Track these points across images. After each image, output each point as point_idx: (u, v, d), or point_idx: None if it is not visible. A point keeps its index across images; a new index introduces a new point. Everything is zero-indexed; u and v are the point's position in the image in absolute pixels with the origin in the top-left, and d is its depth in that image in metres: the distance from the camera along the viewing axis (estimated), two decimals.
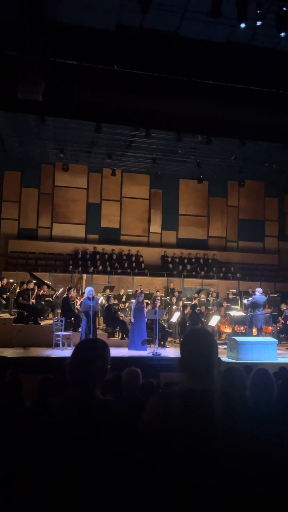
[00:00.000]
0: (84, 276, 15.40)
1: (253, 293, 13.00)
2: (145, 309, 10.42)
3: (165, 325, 12.28)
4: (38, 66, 7.00)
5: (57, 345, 10.10)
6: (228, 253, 20.29)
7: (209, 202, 20.64)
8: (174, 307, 13.46)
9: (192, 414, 1.59)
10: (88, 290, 10.23)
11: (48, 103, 8.27)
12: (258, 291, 11.64)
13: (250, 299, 12.29)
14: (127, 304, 13.69)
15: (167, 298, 15.35)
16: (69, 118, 11.24)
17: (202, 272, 18.68)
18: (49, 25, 7.64)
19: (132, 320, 10.37)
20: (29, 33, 6.82)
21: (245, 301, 12.81)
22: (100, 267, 17.63)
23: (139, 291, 15.08)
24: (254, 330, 11.74)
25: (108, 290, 14.44)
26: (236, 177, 18.20)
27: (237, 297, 15.18)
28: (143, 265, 18.54)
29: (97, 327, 11.74)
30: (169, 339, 11.87)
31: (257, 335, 11.35)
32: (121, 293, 14.89)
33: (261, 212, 20.72)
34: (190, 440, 1.56)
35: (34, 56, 6.90)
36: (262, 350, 9.18)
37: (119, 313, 12.09)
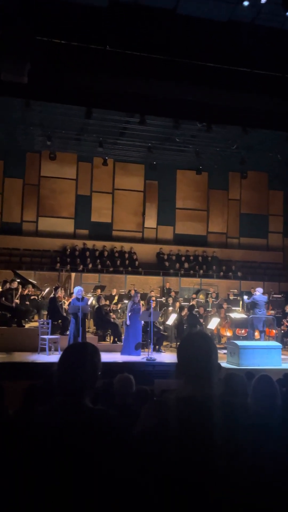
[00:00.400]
0: (73, 274, 15.37)
1: (254, 293, 13.05)
2: (142, 311, 10.44)
3: (161, 328, 12.31)
4: (23, 45, 6.95)
5: (43, 350, 10.08)
6: (229, 250, 20.35)
7: (208, 194, 20.67)
8: (171, 308, 13.48)
9: (190, 423, 1.60)
10: (77, 290, 10.21)
11: (34, 86, 8.22)
12: (258, 290, 11.71)
13: (250, 297, 12.35)
14: (119, 306, 13.68)
15: (163, 299, 15.37)
16: (56, 102, 11.18)
17: (201, 271, 18.73)
18: (35, 0, 7.58)
19: (128, 322, 10.38)
20: (12, 9, 6.77)
21: (245, 297, 12.88)
22: (90, 265, 17.60)
23: (133, 291, 15.10)
24: (257, 334, 11.80)
25: (99, 290, 14.43)
26: (238, 168, 18.23)
27: (238, 298, 15.23)
28: (137, 263, 18.54)
29: (86, 330, 11.75)
30: (164, 343, 11.90)
31: (260, 339, 11.40)
32: (113, 293, 14.88)
33: (265, 206, 20.80)
34: (188, 451, 1.57)
35: (18, 34, 6.85)
36: (265, 355, 9.22)
37: (111, 315, 12.08)
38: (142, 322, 10.43)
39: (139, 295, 10.87)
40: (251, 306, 11.74)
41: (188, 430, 1.59)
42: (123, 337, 10.89)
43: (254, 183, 20.47)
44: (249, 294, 15.88)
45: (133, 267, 18.21)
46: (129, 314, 10.41)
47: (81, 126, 15.03)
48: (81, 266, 17.34)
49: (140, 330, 10.35)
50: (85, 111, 12.32)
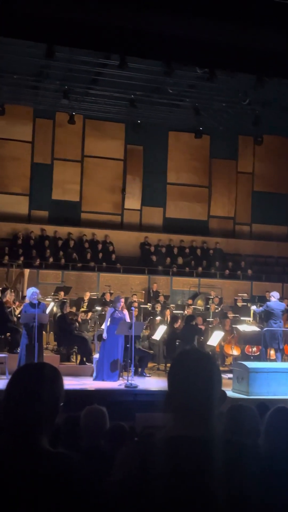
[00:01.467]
0: (27, 271, 15.28)
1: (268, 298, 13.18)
2: (127, 319, 10.44)
3: (145, 344, 12.32)
4: None
5: None
6: (237, 240, 20.50)
7: (211, 166, 20.73)
8: (158, 318, 13.53)
9: (183, 472, 1.61)
10: (31, 293, 10.15)
11: None
12: (274, 296, 11.82)
13: (262, 305, 12.45)
14: (89, 314, 13.68)
15: (148, 306, 15.40)
16: (8, 36, 11.02)
17: (200, 268, 18.84)
18: None
19: (105, 336, 10.39)
20: None
21: (254, 307, 13.00)
22: (51, 259, 17.54)
23: (108, 294, 15.11)
24: (272, 352, 11.92)
25: (62, 293, 14.40)
26: (251, 130, 18.31)
27: (249, 305, 15.36)
28: (113, 256, 18.55)
29: (44, 346, 11.69)
30: (150, 364, 11.94)
31: (276, 359, 11.53)
32: (82, 297, 14.84)
33: (285, 182, 20.99)
34: (179, 507, 1.58)
35: None
36: (283, 381, 9.32)
37: (78, 326, 12.07)
38: (122, 336, 10.43)
39: (122, 300, 10.84)
40: (265, 317, 11.84)
41: (180, 481, 1.60)
42: (94, 357, 10.87)
43: (272, 151, 20.61)
44: (262, 299, 16.04)
45: (109, 262, 18.20)
46: (108, 325, 10.40)
47: (39, 69, 14.88)
48: (38, 260, 17.26)
49: (122, 347, 10.36)
50: (46, 49, 12.19)
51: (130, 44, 10.13)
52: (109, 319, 10.44)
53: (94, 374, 10.38)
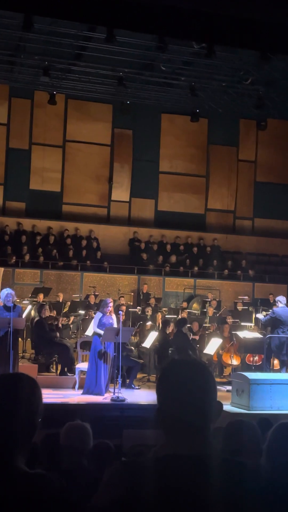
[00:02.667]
0: (0, 270, 15.21)
1: (274, 303, 13.22)
2: (115, 325, 10.43)
3: (134, 353, 12.33)
4: None
5: None
6: (238, 237, 20.55)
7: (209, 153, 20.76)
8: (149, 323, 13.55)
9: (175, 495, 1.61)
10: (5, 294, 10.12)
11: None
12: (281, 301, 11.84)
13: (268, 312, 12.47)
14: (72, 319, 13.66)
15: (138, 309, 15.41)
16: None
17: (196, 268, 18.87)
18: None
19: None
20: None
21: (260, 316, 13.03)
22: (28, 256, 17.50)
23: (93, 296, 15.10)
24: (276, 362, 11.97)
25: (41, 295, 14.37)
26: (253, 113, 18.36)
27: (251, 309, 15.42)
28: (99, 253, 18.54)
29: (20, 355, 11.64)
30: (139, 375, 11.95)
31: (280, 370, 11.58)
32: (62, 300, 14.81)
33: None
34: None
35: None
36: None
37: (58, 332, 12.07)
38: (112, 344, 10.40)
39: (111, 303, 10.82)
40: (272, 325, 11.84)
41: (172, 506, 1.61)
42: (77, 366, 10.87)
43: (276, 137, 20.68)
44: (265, 303, 16.09)
45: (94, 261, 18.19)
46: (96, 332, 10.39)
47: (16, 42, 14.83)
48: (14, 257, 17.22)
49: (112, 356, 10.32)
50: (23, 20, 12.15)
51: (119, 15, 10.12)
52: (97, 325, 10.40)
53: (86, 387, 10.32)
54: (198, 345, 12.70)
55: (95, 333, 10.49)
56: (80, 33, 13.84)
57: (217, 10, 9.76)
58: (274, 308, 11.99)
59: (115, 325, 10.38)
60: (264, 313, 13.34)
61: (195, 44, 13.36)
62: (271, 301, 15.81)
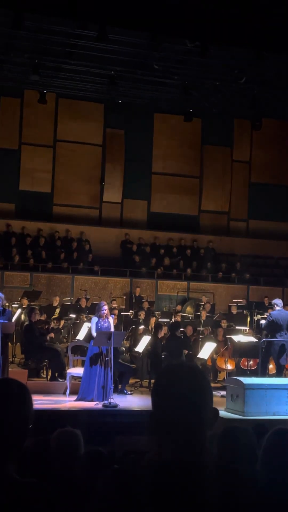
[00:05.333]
0: None
1: (270, 306, 13.21)
2: (112, 328, 10.38)
3: (126, 358, 12.31)
4: None
5: None
6: (232, 239, 20.57)
7: (202, 153, 20.79)
8: (142, 327, 13.54)
9: (170, 503, 1.61)
10: None
11: None
12: (277, 304, 11.80)
13: (266, 317, 12.45)
14: (62, 323, 13.63)
15: (130, 313, 15.40)
16: None
17: (189, 270, 18.88)
18: None
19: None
20: None
21: (261, 321, 12.97)
22: (17, 258, 17.46)
23: (84, 299, 15.08)
24: (271, 367, 11.97)
25: (26, 300, 14.32)
26: (248, 113, 18.40)
27: (245, 312, 15.43)
28: (90, 256, 18.52)
29: (10, 360, 11.60)
30: (131, 380, 11.94)
31: (276, 375, 11.59)
32: (53, 304, 14.79)
33: (287, 172, 21.12)
34: None
35: None
36: (284, 399, 9.37)
37: (48, 336, 12.05)
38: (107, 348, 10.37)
39: (105, 306, 10.77)
40: (270, 329, 11.81)
41: None
42: (68, 371, 10.84)
43: (271, 137, 20.74)
44: (260, 306, 16.11)
45: (85, 263, 18.18)
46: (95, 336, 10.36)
47: (6, 40, 14.81)
48: (2, 259, 17.18)
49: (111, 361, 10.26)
50: (13, 17, 12.14)
51: (111, 12, 10.13)
52: (95, 329, 10.34)
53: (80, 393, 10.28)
54: (192, 349, 12.69)
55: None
56: (71, 31, 13.81)
57: (210, 8, 9.79)
58: (271, 312, 11.92)
59: (112, 329, 10.36)
60: (264, 316, 13.29)
61: (189, 42, 13.38)
62: (266, 304, 15.82)
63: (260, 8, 9.71)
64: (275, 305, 11.80)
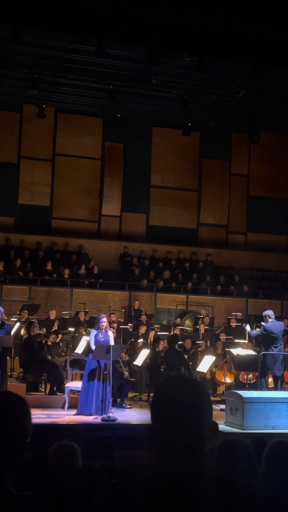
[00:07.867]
0: None
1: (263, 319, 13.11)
2: (112, 341, 10.34)
3: (125, 372, 12.28)
4: None
5: None
6: (231, 252, 20.58)
7: (201, 167, 20.85)
8: (141, 341, 13.51)
9: None
10: None
11: None
12: (269, 315, 11.70)
13: (258, 329, 12.40)
14: (60, 336, 13.60)
15: (129, 326, 15.37)
16: None
17: (188, 284, 18.86)
18: None
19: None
20: None
21: (247, 327, 12.84)
22: (17, 272, 17.45)
23: (82, 312, 15.05)
24: (271, 380, 11.94)
25: (26, 313, 14.29)
26: (246, 127, 18.47)
27: (244, 325, 15.39)
28: (91, 268, 18.51)
29: (8, 373, 11.56)
30: (130, 394, 11.90)
31: (275, 388, 11.56)
32: (52, 317, 14.76)
33: (285, 185, 21.18)
34: None
35: None
36: (283, 412, 9.35)
37: (47, 350, 12.01)
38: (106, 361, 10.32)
39: (103, 318, 10.72)
40: (264, 342, 11.78)
41: None
42: (67, 385, 10.81)
43: (269, 151, 20.82)
44: (259, 319, 16.05)
45: (84, 276, 18.16)
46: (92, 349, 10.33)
47: (5, 55, 14.89)
48: (2, 272, 17.17)
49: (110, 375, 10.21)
50: (12, 32, 12.21)
51: (109, 27, 10.19)
52: (94, 343, 10.30)
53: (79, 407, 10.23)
54: (191, 363, 12.66)
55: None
56: (70, 46, 13.90)
57: (208, 22, 9.85)
58: (265, 324, 11.75)
59: (112, 341, 10.32)
60: (254, 325, 13.25)
61: (187, 57, 13.43)
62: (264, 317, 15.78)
63: (258, 22, 9.77)
64: (267, 317, 11.69)
